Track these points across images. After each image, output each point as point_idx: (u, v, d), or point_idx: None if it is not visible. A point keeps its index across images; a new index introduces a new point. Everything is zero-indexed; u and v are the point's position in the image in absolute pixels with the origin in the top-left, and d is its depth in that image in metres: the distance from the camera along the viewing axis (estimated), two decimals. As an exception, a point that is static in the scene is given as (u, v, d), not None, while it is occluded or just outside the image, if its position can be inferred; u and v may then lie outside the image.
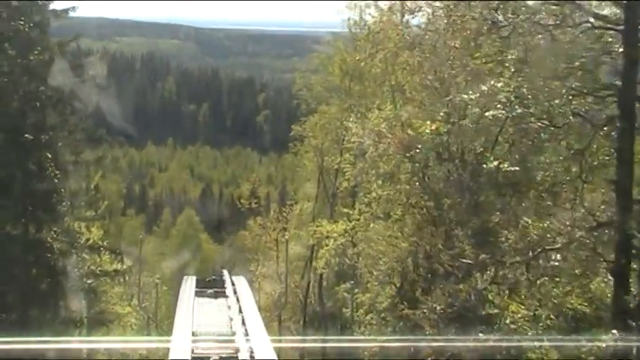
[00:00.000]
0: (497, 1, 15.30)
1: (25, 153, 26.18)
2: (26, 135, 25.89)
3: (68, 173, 27.79)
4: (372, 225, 25.20)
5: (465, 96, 17.76)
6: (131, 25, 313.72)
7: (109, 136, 32.33)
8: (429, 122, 20.61)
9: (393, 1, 26.07)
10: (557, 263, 17.75)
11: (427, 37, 20.47)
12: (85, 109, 30.13)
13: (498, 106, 13.61)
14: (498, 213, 18.85)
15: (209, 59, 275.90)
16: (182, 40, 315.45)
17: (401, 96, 25.63)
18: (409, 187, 22.11)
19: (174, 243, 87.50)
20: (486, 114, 14.32)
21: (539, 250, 15.72)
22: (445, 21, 15.72)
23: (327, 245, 28.82)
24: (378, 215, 24.59)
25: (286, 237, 44.42)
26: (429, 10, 16.83)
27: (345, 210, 31.36)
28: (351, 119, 25.43)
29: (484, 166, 18.14)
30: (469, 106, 18.20)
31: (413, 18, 19.93)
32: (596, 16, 17.70)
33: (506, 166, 16.51)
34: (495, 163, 15.71)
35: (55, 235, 27.55)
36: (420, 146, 20.92)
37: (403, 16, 25.28)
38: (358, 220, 26.82)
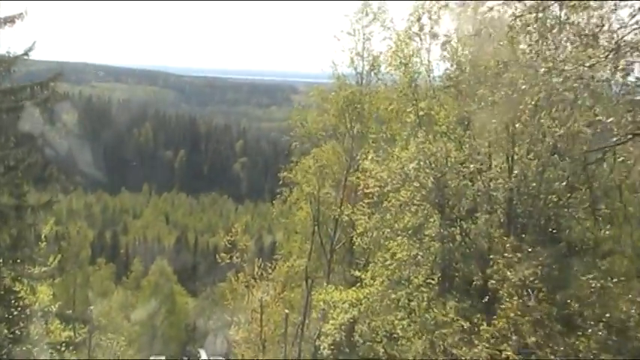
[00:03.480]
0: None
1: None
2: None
3: (7, 220, 22.04)
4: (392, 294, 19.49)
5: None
6: (110, 71, 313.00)
7: (64, 176, 25.93)
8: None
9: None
10: None
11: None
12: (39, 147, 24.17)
13: None
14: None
15: (187, 106, 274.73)
16: (161, 87, 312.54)
17: (428, 130, 20.29)
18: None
19: (145, 294, 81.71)
20: None
21: None
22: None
23: (334, 318, 22.94)
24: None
25: (271, 297, 38.46)
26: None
27: (352, 271, 25.50)
28: (369, 157, 19.91)
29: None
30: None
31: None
32: None
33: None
34: None
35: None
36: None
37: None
38: (371, 285, 21.20)
